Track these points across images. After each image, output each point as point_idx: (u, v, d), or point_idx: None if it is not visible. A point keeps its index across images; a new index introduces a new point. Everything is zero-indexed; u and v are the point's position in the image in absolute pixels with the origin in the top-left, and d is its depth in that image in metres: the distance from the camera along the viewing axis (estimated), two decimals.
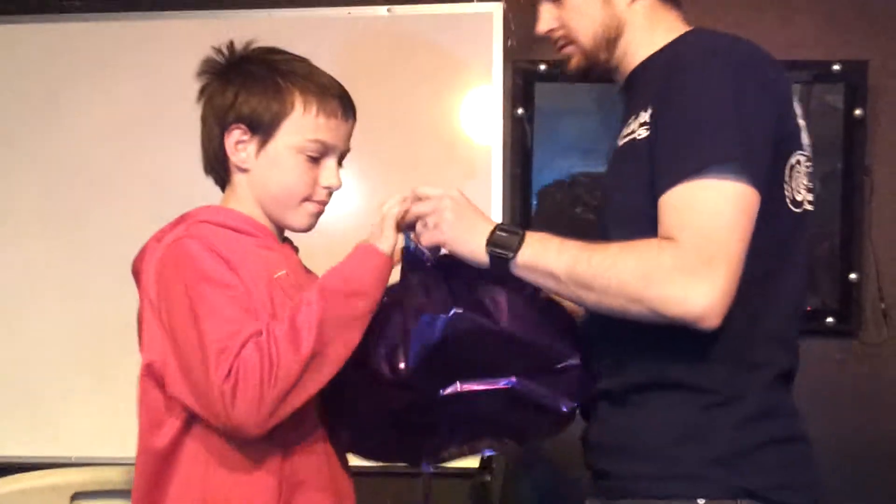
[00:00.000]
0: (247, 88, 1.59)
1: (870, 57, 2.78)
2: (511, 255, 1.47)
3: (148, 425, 1.55)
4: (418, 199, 1.57)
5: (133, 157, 2.95)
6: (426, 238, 1.55)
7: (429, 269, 1.56)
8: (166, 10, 2.97)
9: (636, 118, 1.55)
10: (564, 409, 1.56)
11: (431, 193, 1.55)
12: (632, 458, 1.52)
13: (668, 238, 1.39)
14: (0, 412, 2.95)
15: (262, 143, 1.60)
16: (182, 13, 2.95)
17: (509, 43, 2.88)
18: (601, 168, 2.85)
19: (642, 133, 1.51)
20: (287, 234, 1.72)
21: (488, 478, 2.50)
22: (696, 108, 1.44)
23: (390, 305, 1.53)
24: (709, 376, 1.47)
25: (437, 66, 2.89)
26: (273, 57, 1.64)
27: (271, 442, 1.50)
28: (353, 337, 1.48)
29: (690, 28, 1.67)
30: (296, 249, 1.72)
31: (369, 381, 1.52)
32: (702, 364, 1.46)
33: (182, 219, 1.60)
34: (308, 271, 1.72)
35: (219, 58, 1.65)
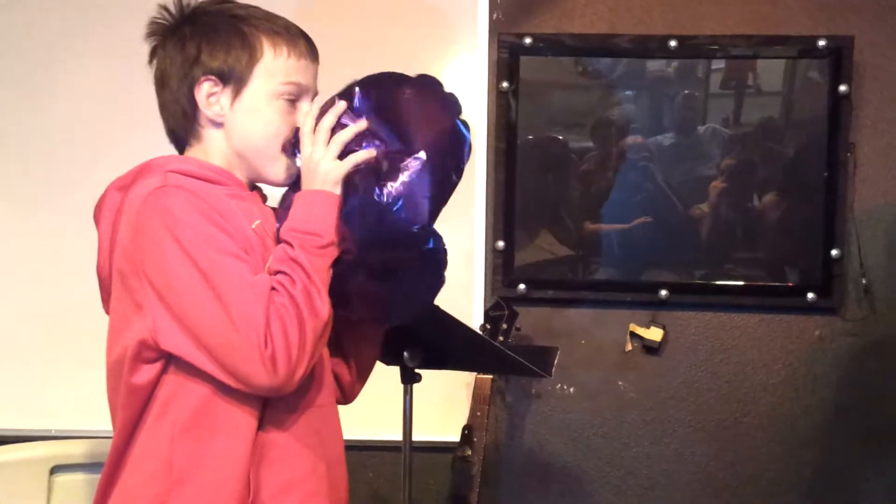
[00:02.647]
0: (209, 40, 1.55)
1: (855, 32, 2.77)
2: None
3: (126, 399, 1.52)
4: None
5: (118, 129, 2.89)
6: None
7: None
8: None
9: None
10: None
11: None
12: None
13: None
14: None
15: (236, 93, 1.55)
16: None
17: (495, 16, 2.85)
18: (586, 143, 2.88)
19: None
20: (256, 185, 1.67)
21: (469, 452, 2.51)
22: None
23: None
24: None
25: (422, 39, 2.87)
26: (227, 6, 1.60)
27: (248, 402, 1.48)
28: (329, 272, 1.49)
29: None
30: (264, 197, 1.66)
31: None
32: None
33: (146, 168, 1.54)
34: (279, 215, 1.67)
35: (167, 15, 1.59)
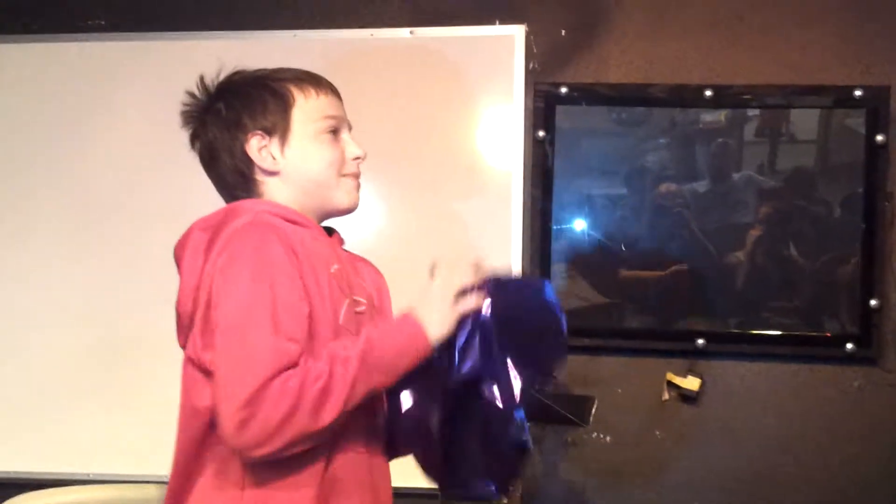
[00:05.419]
0: (245, 104, 1.65)
1: (892, 83, 2.77)
2: None
3: (187, 418, 1.57)
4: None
5: (156, 179, 2.96)
6: None
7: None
8: (193, 30, 2.99)
9: None
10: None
11: None
12: None
13: None
14: (19, 428, 2.97)
15: (283, 140, 1.65)
16: (209, 33, 2.97)
17: (531, 65, 2.89)
18: (621, 190, 2.89)
19: None
20: (333, 228, 1.75)
21: (505, 501, 2.49)
22: None
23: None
24: None
25: (459, 89, 2.90)
26: (245, 73, 1.71)
27: (314, 450, 1.52)
28: (360, 400, 1.51)
29: None
30: (342, 241, 1.75)
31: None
32: None
33: (234, 210, 1.60)
34: (356, 259, 1.75)
35: (194, 101, 1.69)
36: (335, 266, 1.59)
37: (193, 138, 1.69)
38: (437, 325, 1.55)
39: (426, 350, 1.55)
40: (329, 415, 1.45)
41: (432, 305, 1.57)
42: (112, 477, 2.73)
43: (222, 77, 1.70)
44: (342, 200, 1.68)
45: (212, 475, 1.54)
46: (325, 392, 1.45)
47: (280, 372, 1.44)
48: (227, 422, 1.42)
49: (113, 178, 3.00)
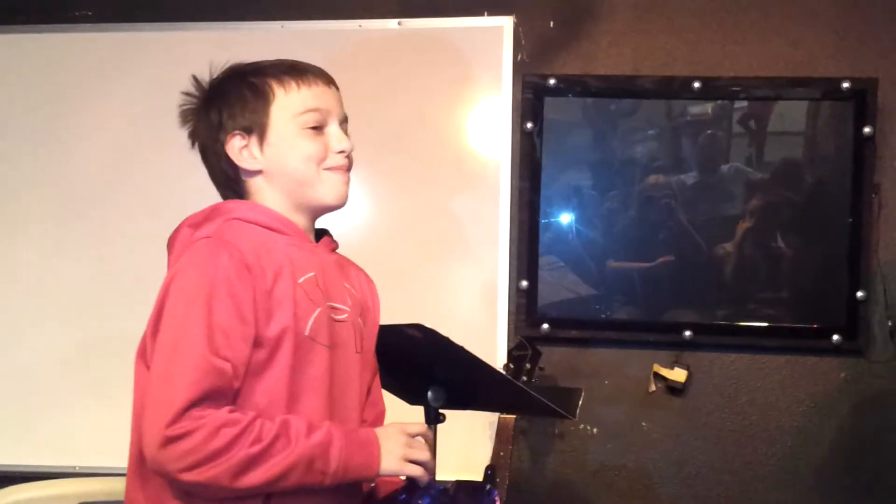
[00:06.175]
0: (226, 103, 1.63)
1: (879, 75, 2.78)
2: None
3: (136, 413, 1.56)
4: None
5: (144, 172, 2.95)
6: None
7: None
8: (181, 20, 2.97)
9: None
10: None
11: None
12: None
13: None
14: (5, 421, 2.96)
15: (261, 138, 1.61)
16: (197, 24, 2.96)
17: (519, 57, 2.88)
18: (610, 182, 2.89)
19: None
20: (326, 230, 1.74)
21: None
22: None
23: None
24: None
25: (448, 80, 2.89)
26: (236, 68, 1.68)
27: None
28: (291, 487, 1.48)
29: None
30: (335, 245, 1.72)
31: None
32: None
33: (216, 210, 1.60)
34: (348, 264, 1.73)
35: (190, 99, 1.68)
36: (308, 275, 1.57)
37: (191, 137, 1.69)
38: (388, 459, 1.56)
39: (372, 474, 1.55)
40: (250, 481, 1.43)
41: (395, 441, 1.57)
42: (99, 470, 2.72)
43: (216, 73, 1.67)
44: (326, 196, 1.64)
45: (163, 481, 1.51)
46: (256, 459, 1.43)
47: (209, 391, 1.43)
48: (151, 434, 1.41)
49: (101, 172, 2.98)
